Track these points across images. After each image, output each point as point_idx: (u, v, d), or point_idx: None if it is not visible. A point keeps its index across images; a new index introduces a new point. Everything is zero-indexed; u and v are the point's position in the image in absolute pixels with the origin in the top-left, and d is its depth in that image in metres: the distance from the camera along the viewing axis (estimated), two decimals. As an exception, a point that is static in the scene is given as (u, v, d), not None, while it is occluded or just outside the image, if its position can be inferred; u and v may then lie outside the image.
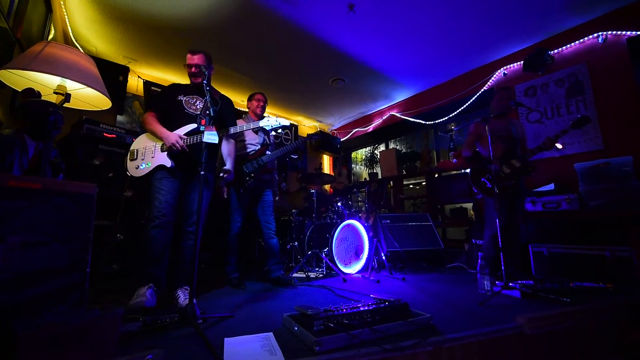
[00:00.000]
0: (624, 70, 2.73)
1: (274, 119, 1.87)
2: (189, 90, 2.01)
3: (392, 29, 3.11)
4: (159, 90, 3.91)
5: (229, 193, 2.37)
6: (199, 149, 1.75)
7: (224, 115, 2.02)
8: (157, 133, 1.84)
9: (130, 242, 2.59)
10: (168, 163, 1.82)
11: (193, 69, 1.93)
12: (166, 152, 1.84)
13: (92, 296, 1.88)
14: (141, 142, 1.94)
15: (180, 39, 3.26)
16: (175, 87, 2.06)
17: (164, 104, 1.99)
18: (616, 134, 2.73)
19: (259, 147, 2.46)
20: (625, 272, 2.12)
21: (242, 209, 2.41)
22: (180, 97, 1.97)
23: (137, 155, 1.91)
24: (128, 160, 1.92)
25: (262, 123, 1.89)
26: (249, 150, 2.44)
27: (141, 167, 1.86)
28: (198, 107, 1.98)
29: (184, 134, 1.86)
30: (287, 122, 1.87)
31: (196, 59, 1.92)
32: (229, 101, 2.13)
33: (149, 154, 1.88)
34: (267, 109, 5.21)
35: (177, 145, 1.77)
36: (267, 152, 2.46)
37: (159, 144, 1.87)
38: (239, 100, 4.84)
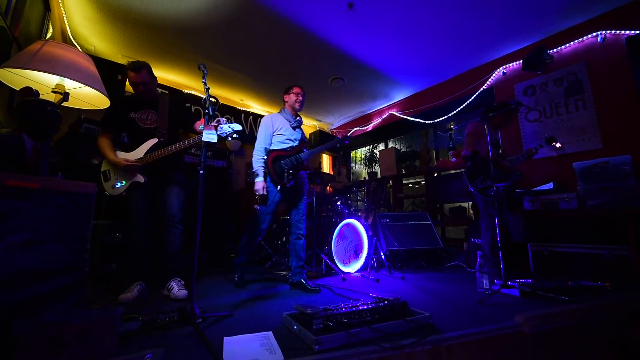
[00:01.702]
0: (623, 70, 2.73)
1: (226, 126, 1.77)
2: (139, 106, 2.01)
3: (391, 28, 3.11)
4: (157, 89, 3.89)
5: (266, 190, 2.20)
6: (167, 160, 1.92)
7: (181, 118, 2.09)
8: (109, 162, 1.91)
9: (129, 241, 2.59)
10: (141, 179, 1.91)
11: (140, 88, 1.95)
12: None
13: (91, 295, 1.88)
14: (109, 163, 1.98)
15: (179, 38, 3.25)
16: (124, 104, 2.03)
17: (117, 124, 2.01)
18: (614, 133, 2.74)
19: (297, 143, 2.33)
20: (623, 270, 2.13)
21: (275, 208, 2.24)
22: (132, 115, 1.98)
23: (109, 175, 1.97)
24: (103, 182, 1.97)
25: (217, 132, 1.76)
26: (287, 145, 2.30)
27: (117, 186, 1.93)
28: (152, 120, 2.00)
29: (148, 150, 1.91)
30: (239, 127, 1.78)
31: (142, 76, 1.92)
32: (182, 103, 2.14)
33: (120, 172, 1.93)
34: (268, 109, 5.25)
35: (129, 167, 1.87)
36: (304, 150, 2.37)
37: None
38: (238, 99, 4.84)
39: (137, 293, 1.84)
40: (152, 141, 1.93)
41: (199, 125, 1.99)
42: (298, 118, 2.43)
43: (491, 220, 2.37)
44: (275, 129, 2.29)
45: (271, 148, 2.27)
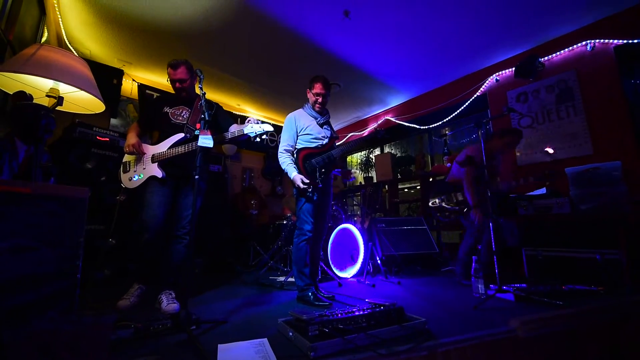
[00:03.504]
0: (612, 77, 2.79)
1: (257, 125, 1.77)
2: (174, 102, 2.03)
3: (387, 35, 3.15)
4: (153, 93, 3.89)
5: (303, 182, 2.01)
6: (188, 157, 1.86)
7: (219, 120, 2.04)
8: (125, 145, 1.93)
9: (122, 247, 2.56)
10: (159, 174, 1.87)
11: (177, 85, 1.95)
12: (157, 163, 1.89)
13: (83, 302, 1.84)
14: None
15: (175, 43, 3.26)
16: (161, 99, 2.09)
17: (150, 117, 2.04)
18: (605, 139, 2.79)
19: (327, 140, 2.18)
20: (615, 274, 2.15)
21: (315, 209, 2.06)
22: (166, 109, 2.00)
23: (129, 167, 1.96)
24: (121, 173, 1.97)
25: (246, 130, 1.77)
26: (315, 144, 2.14)
27: (134, 179, 1.91)
28: (184, 116, 2.00)
29: (171, 145, 1.90)
30: (270, 128, 1.78)
31: (179, 73, 1.92)
32: (219, 107, 2.11)
33: (140, 165, 1.93)
34: (264, 113, 5.26)
35: (129, 148, 1.87)
36: (334, 146, 2.21)
37: (149, 155, 1.92)
38: (234, 104, 4.84)
39: (137, 298, 1.78)
40: (178, 136, 1.90)
41: (232, 128, 1.93)
42: (326, 114, 2.24)
43: (473, 230, 2.52)
44: (300, 129, 2.13)
45: (299, 147, 2.11)
